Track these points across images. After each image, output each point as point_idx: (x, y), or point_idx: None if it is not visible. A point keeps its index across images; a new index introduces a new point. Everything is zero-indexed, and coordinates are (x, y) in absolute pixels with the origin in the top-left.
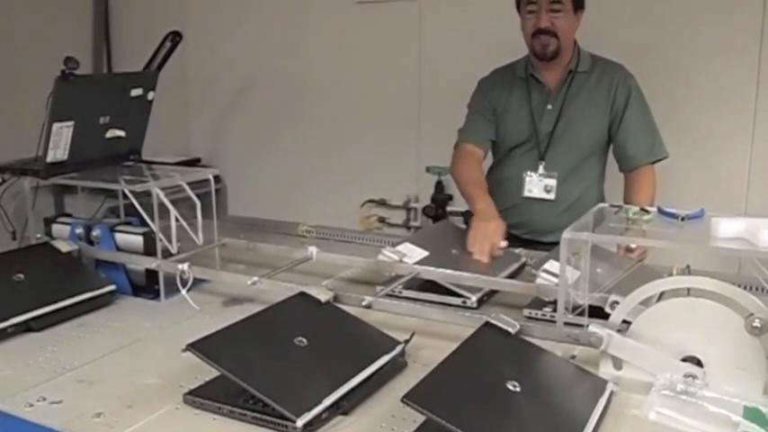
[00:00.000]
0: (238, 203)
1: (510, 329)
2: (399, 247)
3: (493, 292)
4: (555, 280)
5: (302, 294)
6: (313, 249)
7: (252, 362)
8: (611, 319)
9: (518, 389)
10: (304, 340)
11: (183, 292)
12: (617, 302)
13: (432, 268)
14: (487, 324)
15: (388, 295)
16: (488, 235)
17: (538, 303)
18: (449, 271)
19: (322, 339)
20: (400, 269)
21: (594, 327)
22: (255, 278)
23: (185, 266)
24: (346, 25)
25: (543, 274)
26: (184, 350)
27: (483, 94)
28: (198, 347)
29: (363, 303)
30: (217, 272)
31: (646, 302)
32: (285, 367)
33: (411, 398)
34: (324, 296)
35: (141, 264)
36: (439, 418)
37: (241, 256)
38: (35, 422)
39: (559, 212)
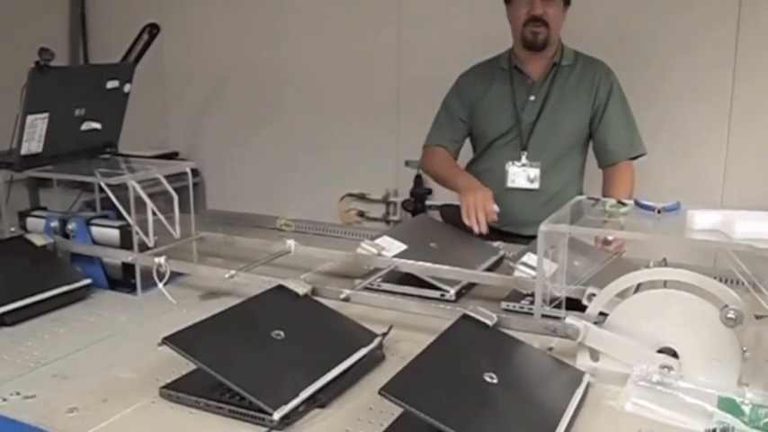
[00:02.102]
0: (217, 197)
1: (487, 322)
2: (378, 241)
3: (471, 285)
4: (532, 273)
5: (280, 287)
6: (291, 243)
7: (228, 355)
8: (588, 311)
9: (495, 380)
10: (281, 333)
11: (160, 285)
12: (594, 294)
13: (410, 261)
14: (465, 316)
15: (367, 288)
16: (480, 204)
17: (516, 296)
18: (427, 264)
19: (299, 332)
20: (379, 262)
21: (571, 319)
22: (233, 271)
23: (162, 260)
24: (325, 19)
25: (521, 267)
26: (161, 344)
27: (459, 92)
28: (174, 341)
29: (341, 296)
30: (194, 265)
31: (623, 295)
32: (262, 360)
33: (388, 390)
34: (302, 289)
35: (117, 257)
36: (416, 410)
37: (219, 249)
38: (8, 417)
39: (540, 204)
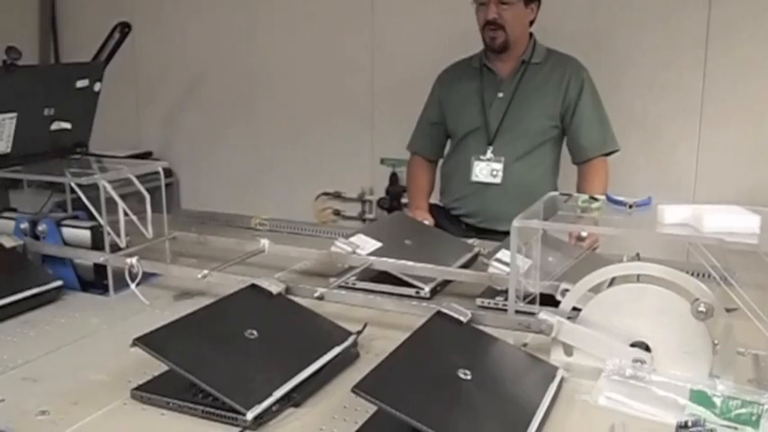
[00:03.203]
0: (192, 197)
1: (461, 318)
2: (353, 239)
3: (446, 283)
4: (506, 269)
5: (253, 287)
6: (265, 242)
7: (201, 355)
8: (562, 306)
9: (469, 377)
10: (255, 332)
11: (133, 286)
12: (567, 290)
13: (385, 259)
14: (439, 313)
15: (341, 287)
16: None
17: (490, 293)
18: (402, 261)
19: (273, 331)
20: (353, 260)
21: (545, 314)
22: (206, 271)
23: (134, 260)
24: (299, 17)
25: (495, 264)
26: (132, 345)
27: (432, 95)
28: (145, 342)
29: (315, 295)
30: (167, 265)
31: (596, 290)
32: (235, 360)
33: (361, 387)
34: (275, 288)
35: (89, 258)
36: (389, 408)
37: (192, 249)
38: None
39: (511, 200)
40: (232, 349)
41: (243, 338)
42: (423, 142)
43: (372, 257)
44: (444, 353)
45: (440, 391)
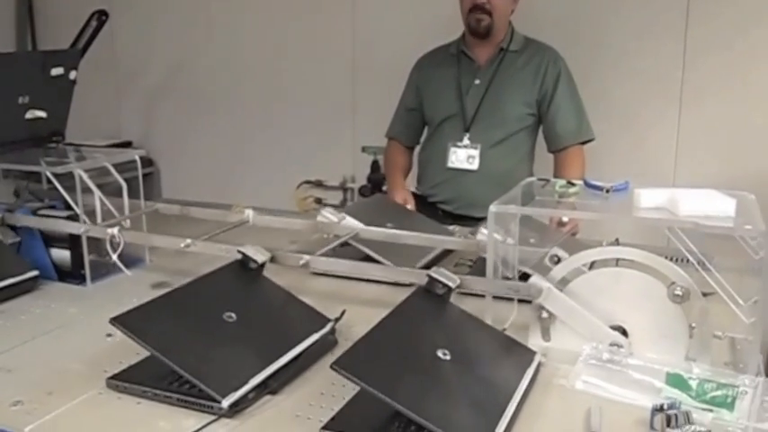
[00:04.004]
0: (172, 188)
1: (450, 284)
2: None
3: (429, 267)
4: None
5: (237, 264)
6: (249, 212)
7: (178, 339)
8: (552, 273)
9: (448, 357)
10: (233, 315)
11: (114, 257)
12: (557, 257)
13: (373, 228)
14: (422, 288)
15: (327, 255)
16: None
17: (477, 272)
18: (391, 231)
19: (252, 315)
20: (340, 229)
21: (536, 278)
22: (188, 240)
23: (115, 230)
24: (280, 5)
25: (483, 231)
26: (112, 323)
27: (410, 82)
28: (122, 321)
29: (301, 262)
30: (148, 235)
31: (573, 275)
32: (212, 345)
33: (340, 364)
34: (261, 257)
35: (67, 229)
36: (368, 387)
37: (174, 228)
38: None
39: (487, 187)
40: (210, 333)
41: (221, 322)
42: (400, 128)
43: (360, 225)
44: (425, 331)
45: (419, 372)
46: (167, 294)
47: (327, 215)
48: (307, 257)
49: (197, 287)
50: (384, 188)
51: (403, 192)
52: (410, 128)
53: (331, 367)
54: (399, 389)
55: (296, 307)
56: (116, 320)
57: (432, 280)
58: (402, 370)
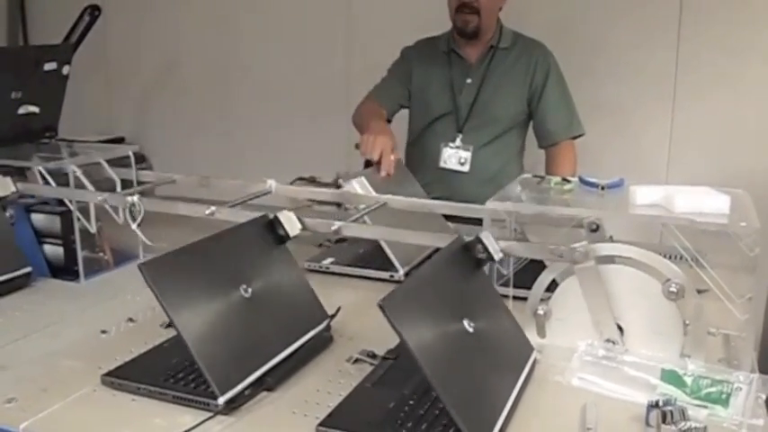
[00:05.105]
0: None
1: (495, 254)
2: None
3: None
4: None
5: (265, 222)
6: (272, 182)
7: (198, 314)
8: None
9: (471, 330)
10: (249, 290)
11: (134, 226)
12: (596, 224)
13: (400, 197)
14: (462, 245)
15: (356, 222)
16: (378, 141)
17: None
18: (419, 200)
19: (264, 294)
20: (367, 200)
21: (578, 244)
22: (213, 208)
23: (135, 198)
24: (272, 1)
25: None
26: (139, 267)
27: (405, 60)
28: (149, 272)
29: (333, 228)
30: (171, 203)
31: (568, 273)
32: (224, 326)
33: (386, 304)
34: (293, 229)
35: (85, 198)
36: (407, 341)
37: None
38: None
39: (478, 186)
40: (224, 312)
41: (237, 296)
42: (384, 93)
43: (387, 196)
44: (457, 295)
45: (447, 340)
46: (194, 245)
47: (354, 185)
48: (339, 223)
49: (224, 242)
50: None
51: (380, 123)
52: (395, 96)
53: (378, 305)
54: (431, 357)
55: (304, 293)
56: (146, 267)
57: (477, 241)
58: (435, 334)
